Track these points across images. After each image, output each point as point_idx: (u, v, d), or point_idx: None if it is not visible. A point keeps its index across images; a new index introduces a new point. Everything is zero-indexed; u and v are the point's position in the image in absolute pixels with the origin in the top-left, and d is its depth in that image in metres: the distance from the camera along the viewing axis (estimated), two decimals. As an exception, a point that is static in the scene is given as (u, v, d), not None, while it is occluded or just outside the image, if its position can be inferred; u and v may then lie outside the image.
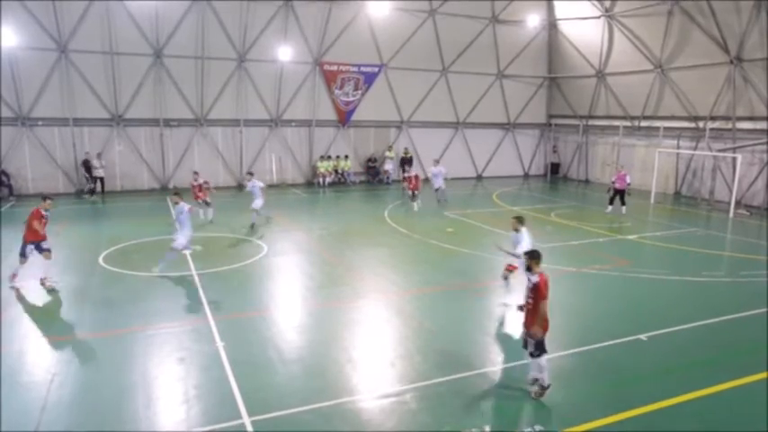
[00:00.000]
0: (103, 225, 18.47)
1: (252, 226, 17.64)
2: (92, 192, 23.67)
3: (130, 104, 24.95)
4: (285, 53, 26.50)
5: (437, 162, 23.84)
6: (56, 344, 9.08)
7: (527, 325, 7.37)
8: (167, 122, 25.69)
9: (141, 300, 11.10)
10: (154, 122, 25.48)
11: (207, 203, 18.81)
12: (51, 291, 11.53)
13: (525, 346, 7.43)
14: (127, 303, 10.85)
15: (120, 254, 14.41)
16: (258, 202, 17.81)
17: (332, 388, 7.57)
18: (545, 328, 7.21)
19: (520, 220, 10.37)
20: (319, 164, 28.70)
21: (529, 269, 7.31)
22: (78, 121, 24.13)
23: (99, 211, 21.54)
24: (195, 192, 18.87)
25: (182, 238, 12.90)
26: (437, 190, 22.98)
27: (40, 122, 23.57)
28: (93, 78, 24.08)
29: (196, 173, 19.93)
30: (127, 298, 11.16)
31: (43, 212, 11.88)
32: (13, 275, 11.74)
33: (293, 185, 28.07)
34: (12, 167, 23.38)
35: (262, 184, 18.20)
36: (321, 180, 28.38)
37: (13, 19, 21.83)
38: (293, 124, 28.38)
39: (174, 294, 11.54)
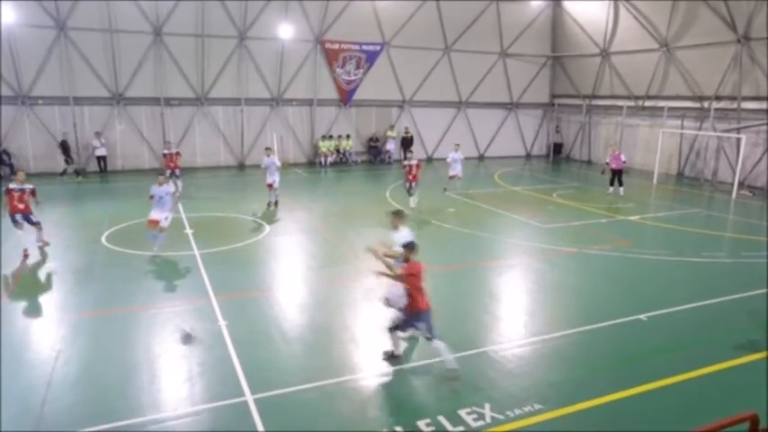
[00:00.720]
0: (105, 204, 18.46)
1: (269, 204, 17.63)
2: (77, 173, 23.45)
3: (130, 83, 24.78)
4: (286, 31, 26.22)
5: (458, 147, 21.20)
6: (60, 321, 9.14)
7: (408, 311, 7.30)
8: (168, 101, 25.53)
9: (143, 279, 11.18)
10: (154, 101, 25.33)
11: (176, 176, 18.64)
12: (51, 273, 11.62)
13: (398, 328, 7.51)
14: (129, 282, 10.92)
15: (122, 233, 14.44)
16: (273, 179, 17.53)
17: (334, 366, 7.64)
18: (415, 305, 7.18)
19: (398, 215, 8.64)
20: (321, 143, 28.58)
21: (406, 260, 7.13)
22: (78, 100, 24.00)
23: (100, 190, 21.56)
24: (167, 162, 18.80)
25: (156, 214, 12.47)
26: (452, 178, 20.72)
27: (40, 101, 23.45)
28: (92, 57, 23.88)
29: (168, 142, 19.88)
30: (130, 277, 11.23)
31: (12, 186, 12.31)
32: (24, 251, 12.26)
33: (294, 165, 28.00)
34: (13, 146, 23.34)
35: (279, 163, 17.92)
36: (323, 160, 28.30)
37: (10, -5, 21.61)
38: (294, 103, 28.20)
39: (176, 274, 11.60)
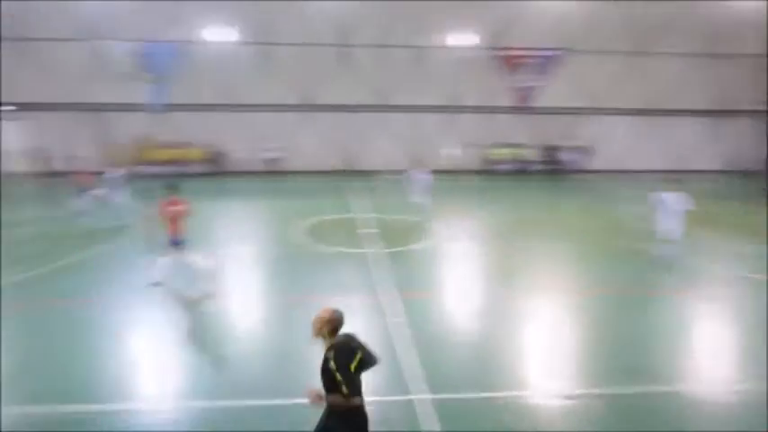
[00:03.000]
0: (289, 201, 20.39)
1: (420, 210, 17.54)
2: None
3: (319, 91, 27.08)
4: (461, 38, 26.37)
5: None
6: (275, 306, 10.23)
7: None
8: (349, 108, 27.33)
9: (323, 272, 12.01)
10: (340, 108, 27.28)
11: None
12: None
13: None
14: (311, 275, 11.84)
15: (306, 229, 15.74)
16: (420, 194, 16.76)
17: (504, 379, 7.38)
18: None
19: None
20: (495, 151, 28.17)
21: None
22: (276, 107, 26.90)
23: (283, 189, 23.83)
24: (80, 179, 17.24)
25: None
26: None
27: (247, 109, 26.75)
28: (286, 67, 26.60)
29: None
30: (312, 270, 12.17)
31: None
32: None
33: (466, 172, 27.98)
34: (227, 147, 26.97)
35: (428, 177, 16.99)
36: (498, 167, 27.84)
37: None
38: (469, 110, 28.21)
39: (350, 269, 12.25)
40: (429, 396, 6.82)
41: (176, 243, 10.44)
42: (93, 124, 26.18)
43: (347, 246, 13.77)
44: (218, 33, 25.48)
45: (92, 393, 6.97)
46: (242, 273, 12.48)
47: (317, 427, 4.85)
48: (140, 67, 25.43)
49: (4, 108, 25.43)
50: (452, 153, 28.04)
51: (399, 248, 13.74)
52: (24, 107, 25.73)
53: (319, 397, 4.65)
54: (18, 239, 14.44)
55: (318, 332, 4.80)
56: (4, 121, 25.83)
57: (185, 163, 26.25)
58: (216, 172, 26.34)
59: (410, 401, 6.73)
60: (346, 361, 4.62)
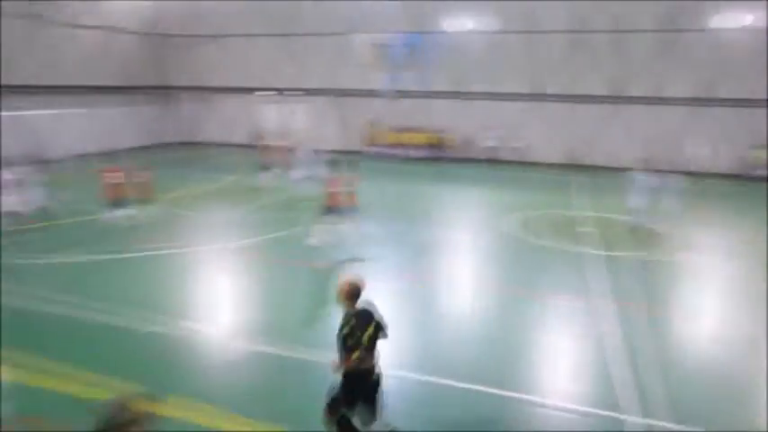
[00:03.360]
0: (507, 191, 20.24)
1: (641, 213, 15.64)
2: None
3: (548, 80, 26.11)
4: (727, 18, 22.75)
5: None
6: (473, 291, 10.61)
7: None
8: (580, 99, 25.81)
9: (545, 269, 11.77)
10: (568, 98, 25.98)
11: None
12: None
13: None
14: (534, 270, 11.74)
15: (525, 221, 15.56)
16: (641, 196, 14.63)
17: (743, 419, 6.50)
18: None
19: None
20: (756, 152, 23.86)
21: None
22: (503, 96, 26.78)
23: (503, 178, 23.68)
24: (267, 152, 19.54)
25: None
26: None
27: (475, 96, 27.19)
28: (516, 55, 26.17)
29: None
30: (532, 266, 12.05)
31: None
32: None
33: (716, 175, 24.29)
34: (451, 133, 27.91)
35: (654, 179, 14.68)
36: (758, 173, 23.43)
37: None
38: (727, 103, 24.32)
39: (562, 268, 11.81)
40: (641, 420, 6.36)
41: (341, 212, 12.40)
42: (336, 108, 29.46)
43: (562, 243, 13.30)
44: (456, 24, 26.26)
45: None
46: (450, 256, 12.97)
47: (332, 387, 5.31)
48: (381, 56, 27.67)
49: (267, 93, 30.13)
50: (699, 153, 24.59)
51: (622, 253, 12.76)
52: (282, 91, 30.12)
53: (338, 365, 5.16)
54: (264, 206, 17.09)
55: (339, 300, 5.27)
56: (264, 104, 30.69)
57: (410, 147, 27.92)
58: (438, 157, 27.48)
59: (618, 420, 6.37)
60: (358, 330, 5.07)
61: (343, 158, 13.64)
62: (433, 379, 7.18)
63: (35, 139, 24.58)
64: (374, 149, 28.39)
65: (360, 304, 5.30)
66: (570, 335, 8.69)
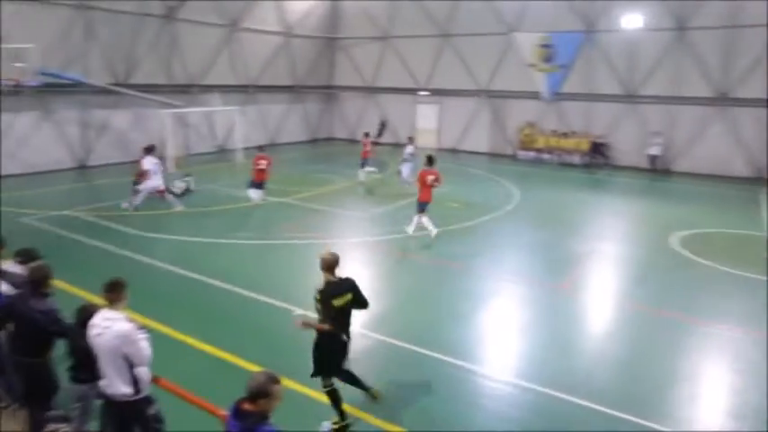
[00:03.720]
0: (674, 205, 18.10)
1: None
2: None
3: (736, 83, 22.86)
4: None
5: None
6: (617, 309, 9.74)
7: None
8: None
9: (704, 292, 10.46)
10: (761, 103, 22.51)
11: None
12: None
13: None
14: (694, 291, 10.46)
15: (693, 239, 13.84)
16: None
17: None
18: None
19: None
20: None
21: None
22: (680, 100, 24.06)
23: (669, 190, 21.25)
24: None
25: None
26: None
27: (645, 100, 24.83)
28: (697, 54, 23.31)
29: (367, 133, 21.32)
30: (694, 285, 10.74)
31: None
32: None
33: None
34: (613, 140, 25.84)
35: None
36: None
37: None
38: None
39: (738, 295, 10.29)
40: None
41: (422, 206, 13.12)
42: (489, 109, 28.91)
43: (743, 268, 11.53)
44: (627, 21, 24.18)
45: (434, 342, 7.93)
46: (602, 270, 11.99)
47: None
48: (543, 56, 26.58)
49: (424, 93, 30.57)
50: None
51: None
52: (437, 92, 30.33)
53: (306, 324, 5.91)
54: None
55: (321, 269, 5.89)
56: (419, 105, 31.13)
57: (567, 152, 26.41)
58: (596, 164, 25.67)
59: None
60: (331, 297, 5.76)
61: (436, 155, 14.50)
62: (566, 396, 6.67)
63: (217, 133, 27.81)
64: (528, 154, 27.37)
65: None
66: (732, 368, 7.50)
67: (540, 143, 27.18)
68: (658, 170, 24.45)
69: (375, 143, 29.27)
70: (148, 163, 15.09)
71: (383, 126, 32.09)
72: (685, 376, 7.41)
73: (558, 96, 26.86)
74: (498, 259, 12.13)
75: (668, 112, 24.34)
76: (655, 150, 24.53)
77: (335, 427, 5.95)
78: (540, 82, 26.93)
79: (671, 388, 7.10)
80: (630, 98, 25.03)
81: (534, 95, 27.26)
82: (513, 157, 27.88)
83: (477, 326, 8.89)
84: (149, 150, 15.38)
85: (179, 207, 15.35)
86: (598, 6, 24.84)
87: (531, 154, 27.30)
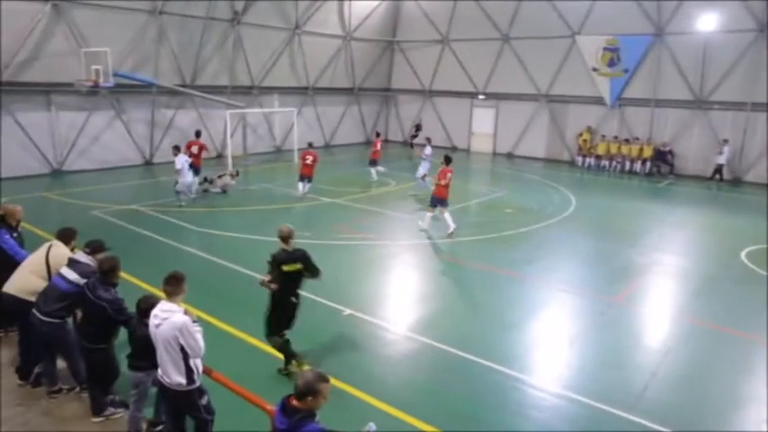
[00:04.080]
0: (745, 218, 17.01)
1: None
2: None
3: None
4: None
5: None
6: (676, 321, 9.31)
7: None
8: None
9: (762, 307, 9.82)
10: None
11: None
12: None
13: None
14: (742, 306, 9.87)
15: (759, 253, 13.01)
16: None
17: None
18: None
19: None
20: None
21: None
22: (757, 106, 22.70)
23: (736, 201, 20.03)
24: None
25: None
26: None
27: (715, 106, 23.56)
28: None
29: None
30: (748, 301, 10.13)
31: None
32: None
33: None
34: (677, 147, 24.69)
35: None
36: None
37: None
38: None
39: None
40: None
41: (440, 202, 13.84)
42: (548, 114, 28.22)
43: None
44: (700, 24, 23.00)
45: (482, 350, 7.80)
46: (661, 283, 11.45)
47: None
48: (608, 60, 25.72)
49: (480, 97, 30.22)
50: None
51: None
52: (494, 96, 29.91)
53: (263, 283, 6.89)
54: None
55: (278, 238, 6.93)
56: (476, 108, 30.79)
57: (629, 159, 25.41)
58: (659, 172, 24.59)
59: None
60: (282, 263, 6.76)
61: (452, 155, 15.02)
62: (618, 412, 6.42)
63: (275, 133, 28.52)
64: (587, 160, 26.55)
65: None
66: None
67: (601, 150, 26.28)
68: (723, 180, 23.20)
69: (411, 145, 29.50)
70: (179, 162, 15.70)
71: (418, 128, 32.16)
72: (751, 398, 6.99)
73: (621, 101, 25.93)
74: (552, 268, 11.83)
75: (741, 119, 22.99)
76: (721, 159, 23.26)
77: (294, 369, 6.90)
78: (603, 86, 26.06)
79: (736, 410, 6.72)
80: (700, 104, 23.81)
81: (595, 100, 26.41)
82: (571, 164, 27.12)
83: (526, 334, 8.71)
84: (178, 149, 16.06)
85: (182, 204, 15.87)
86: (669, 7, 23.76)
87: (591, 160, 26.45)
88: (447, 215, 13.79)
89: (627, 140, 25.59)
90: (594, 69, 26.09)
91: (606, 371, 7.50)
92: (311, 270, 7.00)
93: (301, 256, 6.92)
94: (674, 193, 21.29)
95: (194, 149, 17.29)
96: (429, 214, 14.05)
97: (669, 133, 24.86)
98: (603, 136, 26.46)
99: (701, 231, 15.62)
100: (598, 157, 26.28)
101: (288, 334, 7.07)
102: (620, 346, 8.33)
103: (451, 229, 13.59)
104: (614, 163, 25.77)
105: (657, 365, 7.68)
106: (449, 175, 13.84)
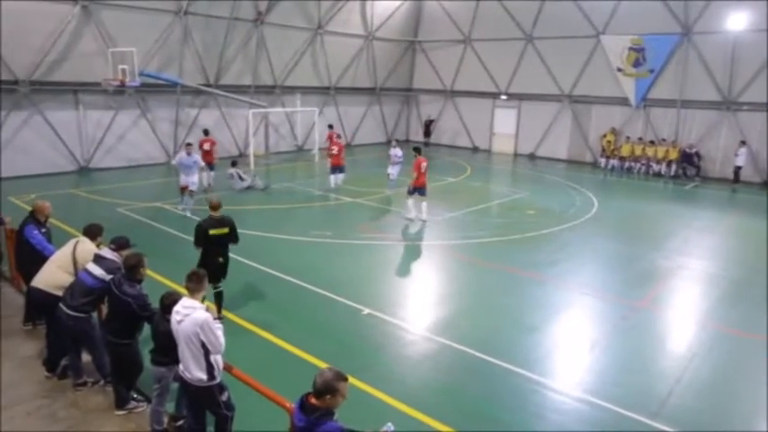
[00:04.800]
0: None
1: None
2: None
3: None
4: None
5: None
6: (703, 327, 9.13)
7: None
8: None
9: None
10: None
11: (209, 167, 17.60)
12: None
13: None
14: None
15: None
16: None
17: None
18: None
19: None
20: None
21: None
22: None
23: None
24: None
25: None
26: None
27: (744, 107, 23.02)
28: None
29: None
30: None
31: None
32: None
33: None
34: (705, 149, 24.16)
35: None
36: None
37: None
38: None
39: None
40: None
41: (419, 191, 14.75)
42: (571, 115, 27.87)
43: None
44: (729, 23, 22.49)
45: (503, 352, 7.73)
46: (687, 287, 11.22)
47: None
48: (633, 60, 25.30)
49: (502, 97, 30.02)
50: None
51: None
52: (517, 96, 29.66)
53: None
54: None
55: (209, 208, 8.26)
56: (497, 109, 30.57)
57: (654, 161, 24.95)
58: (685, 175, 24.11)
59: None
60: (207, 227, 7.98)
61: (424, 148, 16.13)
62: (640, 417, 6.32)
63: (296, 132, 28.70)
64: (610, 162, 26.16)
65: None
66: None
67: (625, 151, 25.86)
68: (740, 181, 22.72)
69: (426, 144, 29.41)
70: (192, 159, 15.44)
71: (429, 126, 32.10)
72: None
73: (646, 102, 25.49)
74: (573, 270, 11.68)
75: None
76: (738, 161, 22.76)
77: (220, 318, 7.35)
78: (628, 87, 25.65)
79: (764, 419, 6.55)
80: (728, 105, 23.29)
81: (620, 101, 26.00)
82: (594, 165, 26.76)
83: (547, 337, 8.61)
84: (190, 146, 15.76)
85: (181, 207, 15.27)
86: (697, 6, 23.26)
87: (614, 162, 26.05)
88: (424, 204, 14.78)
89: (652, 142, 25.15)
90: (619, 70, 25.69)
91: (629, 376, 7.38)
92: (235, 236, 8.22)
93: (230, 223, 8.16)
94: (701, 196, 20.86)
95: (206, 147, 17.83)
96: (410, 201, 14.96)
97: (695, 135, 24.37)
98: (628, 137, 26.05)
99: (729, 235, 15.28)
100: (622, 159, 25.88)
101: (222, 286, 8.27)
102: (643, 351, 8.19)
103: (425, 218, 14.69)
104: (639, 165, 25.36)
105: (682, 371, 7.54)
106: (423, 164, 14.66)
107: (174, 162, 15.67)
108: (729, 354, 8.23)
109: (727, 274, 11.72)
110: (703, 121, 24.11)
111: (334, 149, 18.53)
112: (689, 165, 24.18)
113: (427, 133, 31.92)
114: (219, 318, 7.53)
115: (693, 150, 24.08)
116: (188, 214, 14.65)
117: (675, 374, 7.46)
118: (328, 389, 3.56)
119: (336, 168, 18.65)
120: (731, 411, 6.72)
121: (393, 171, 18.85)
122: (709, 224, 16.38)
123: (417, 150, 15.32)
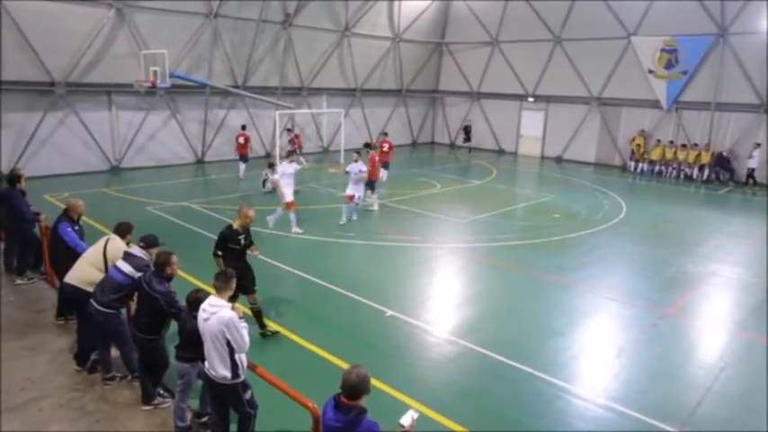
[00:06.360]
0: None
1: None
2: None
3: None
4: None
5: None
6: (736, 337, 8.88)
7: None
8: None
9: None
10: None
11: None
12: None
13: None
14: None
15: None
16: None
17: None
18: None
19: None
20: None
21: None
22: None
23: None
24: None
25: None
26: None
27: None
28: None
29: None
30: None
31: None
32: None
33: None
34: (739, 153, 23.49)
35: None
36: None
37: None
38: None
39: None
40: None
41: (369, 184, 15.61)
42: (599, 117, 27.40)
43: None
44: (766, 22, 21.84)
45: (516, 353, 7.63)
46: (717, 294, 10.92)
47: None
48: (664, 62, 24.77)
49: (529, 99, 29.69)
50: None
51: None
52: (544, 99, 29.30)
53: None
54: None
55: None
56: (524, 111, 30.25)
57: (686, 165, 24.37)
58: (718, 179, 23.48)
59: None
60: (228, 240, 7.69)
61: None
62: (666, 427, 6.17)
63: (322, 134, 28.86)
64: (640, 165, 25.66)
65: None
66: None
67: (655, 155, 25.33)
68: (757, 183, 22.10)
69: (469, 149, 29.40)
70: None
71: (468, 131, 31.65)
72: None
73: (678, 105, 24.92)
74: (599, 275, 11.49)
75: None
76: (752, 163, 22.11)
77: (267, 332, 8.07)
78: (660, 89, 25.12)
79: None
80: (766, 108, 22.61)
81: (650, 104, 25.49)
82: (623, 169, 26.28)
83: (572, 342, 8.48)
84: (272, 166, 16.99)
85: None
86: (734, 6, 22.63)
87: (644, 165, 25.54)
88: (375, 195, 16.28)
89: (684, 145, 24.56)
90: (650, 71, 25.18)
91: (656, 384, 7.22)
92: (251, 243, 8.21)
93: (248, 237, 8.07)
94: (734, 201, 20.30)
95: (241, 140, 20.28)
96: (374, 195, 16.31)
97: (730, 138, 23.73)
98: (658, 140, 25.52)
99: (762, 241, 14.83)
100: (652, 163, 25.37)
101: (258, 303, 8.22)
102: (672, 359, 8.00)
103: (375, 208, 16.15)
104: (670, 169, 24.81)
105: (713, 381, 7.35)
106: (376, 158, 16.06)
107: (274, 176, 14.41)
108: (764, 364, 7.98)
109: (761, 282, 11.38)
110: (738, 125, 23.46)
111: (385, 147, 19.43)
112: (723, 169, 23.56)
113: (467, 138, 31.30)
114: (268, 333, 8.12)
115: (728, 154, 23.43)
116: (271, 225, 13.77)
117: (706, 383, 7.28)
118: (366, 388, 3.73)
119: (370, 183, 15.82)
120: (765, 423, 6.52)
121: (356, 192, 14.67)
122: (742, 229, 15.93)
123: (367, 145, 17.62)
